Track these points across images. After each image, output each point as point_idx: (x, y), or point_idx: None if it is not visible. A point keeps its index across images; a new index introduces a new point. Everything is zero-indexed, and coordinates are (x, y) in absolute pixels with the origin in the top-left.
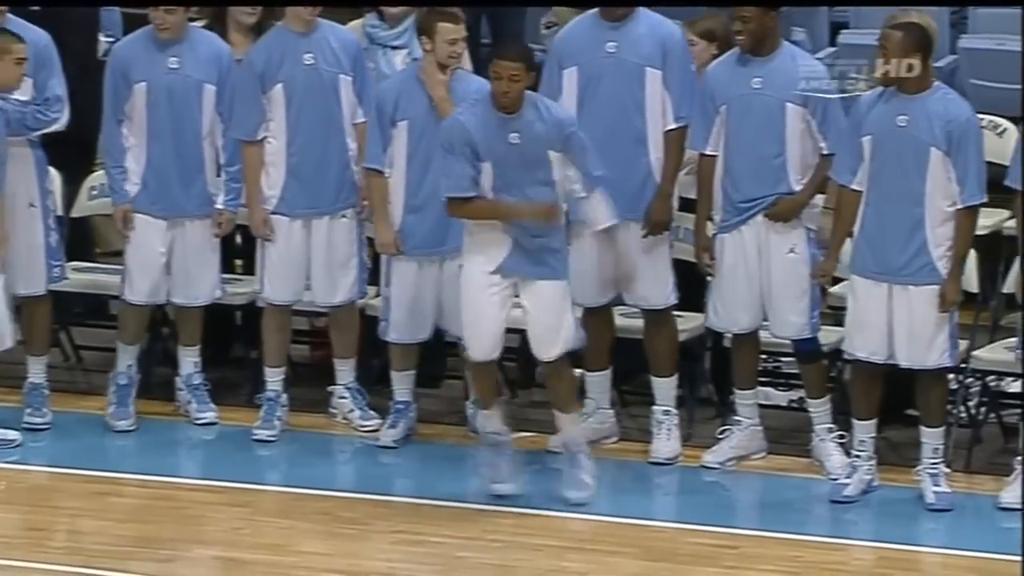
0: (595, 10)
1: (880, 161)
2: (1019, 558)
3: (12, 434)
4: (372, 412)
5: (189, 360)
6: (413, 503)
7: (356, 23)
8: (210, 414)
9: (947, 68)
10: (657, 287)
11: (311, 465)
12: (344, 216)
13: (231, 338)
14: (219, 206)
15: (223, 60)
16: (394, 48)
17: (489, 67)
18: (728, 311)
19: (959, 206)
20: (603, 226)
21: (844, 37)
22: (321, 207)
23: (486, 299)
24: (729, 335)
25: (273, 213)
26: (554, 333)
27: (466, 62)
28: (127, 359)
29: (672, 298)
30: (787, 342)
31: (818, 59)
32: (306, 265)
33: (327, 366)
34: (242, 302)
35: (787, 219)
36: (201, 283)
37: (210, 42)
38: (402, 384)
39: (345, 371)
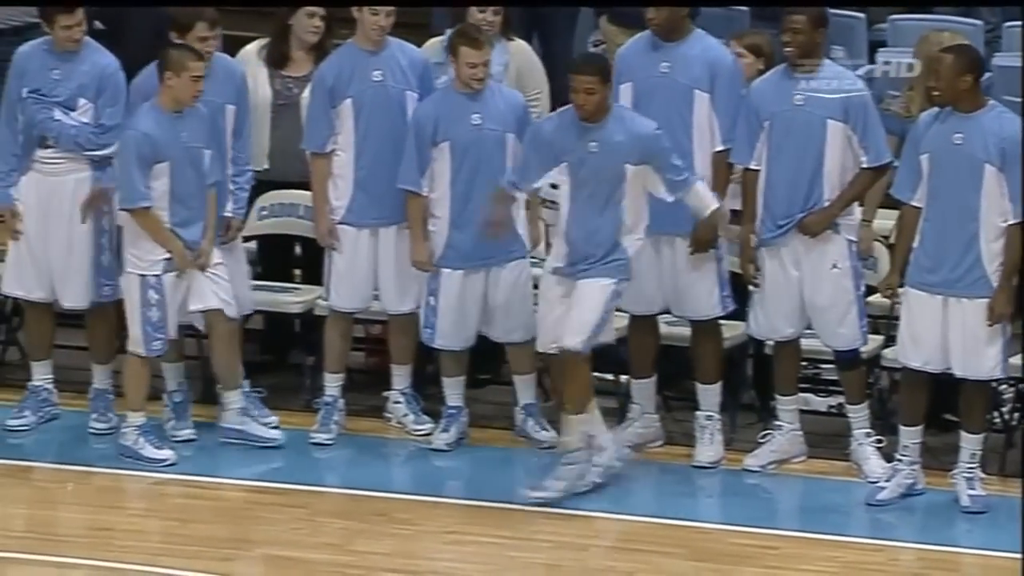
0: (649, 31)
1: (937, 178)
2: None
3: (166, 453)
4: (425, 416)
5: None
6: (465, 504)
7: (435, 40)
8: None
9: (983, 84)
10: (704, 299)
11: (367, 467)
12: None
13: (290, 345)
14: (227, 213)
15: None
16: None
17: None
18: (769, 320)
19: (1011, 221)
20: (712, 208)
21: (882, 55)
22: (388, 217)
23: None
24: (771, 343)
25: (340, 223)
26: (578, 323)
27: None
28: (176, 376)
29: (718, 309)
30: (827, 349)
31: (861, 76)
32: (372, 274)
33: (381, 372)
34: (300, 310)
35: (815, 232)
36: (239, 292)
37: (227, 65)
38: (453, 390)
39: (401, 377)
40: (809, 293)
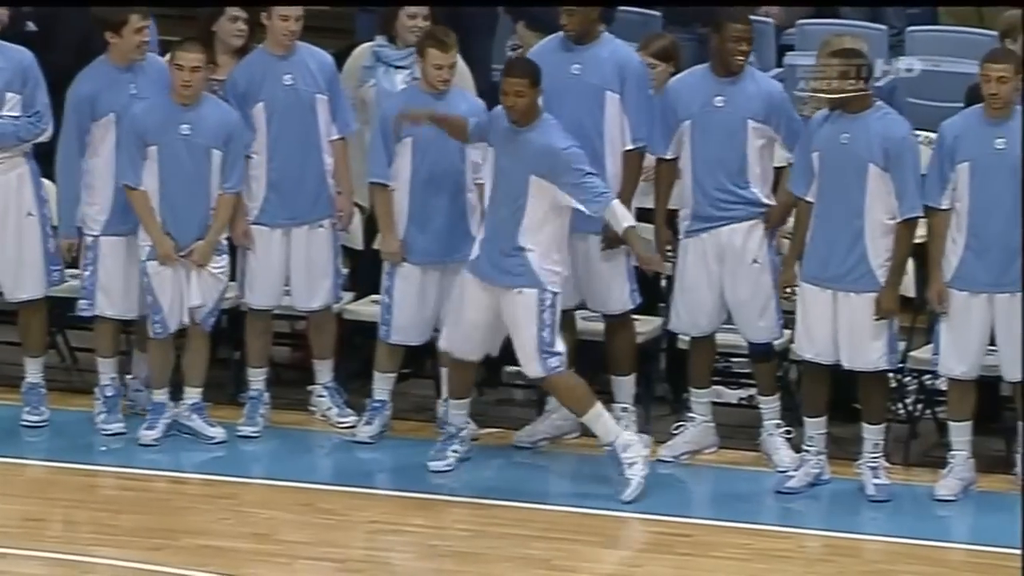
0: (561, 33)
1: (826, 176)
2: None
3: (218, 431)
4: (349, 409)
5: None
6: (388, 494)
7: (365, 46)
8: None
9: (886, 87)
10: (616, 294)
11: (292, 459)
12: (321, 226)
13: (217, 340)
14: None
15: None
16: (397, 68)
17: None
18: (690, 315)
19: (898, 219)
20: (625, 227)
21: (790, 59)
22: (300, 218)
23: None
24: (686, 337)
25: (254, 223)
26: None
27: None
28: (110, 370)
29: (629, 303)
30: (738, 343)
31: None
32: (285, 272)
33: (306, 367)
34: (225, 307)
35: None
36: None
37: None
38: (383, 384)
39: (323, 371)
40: (730, 288)
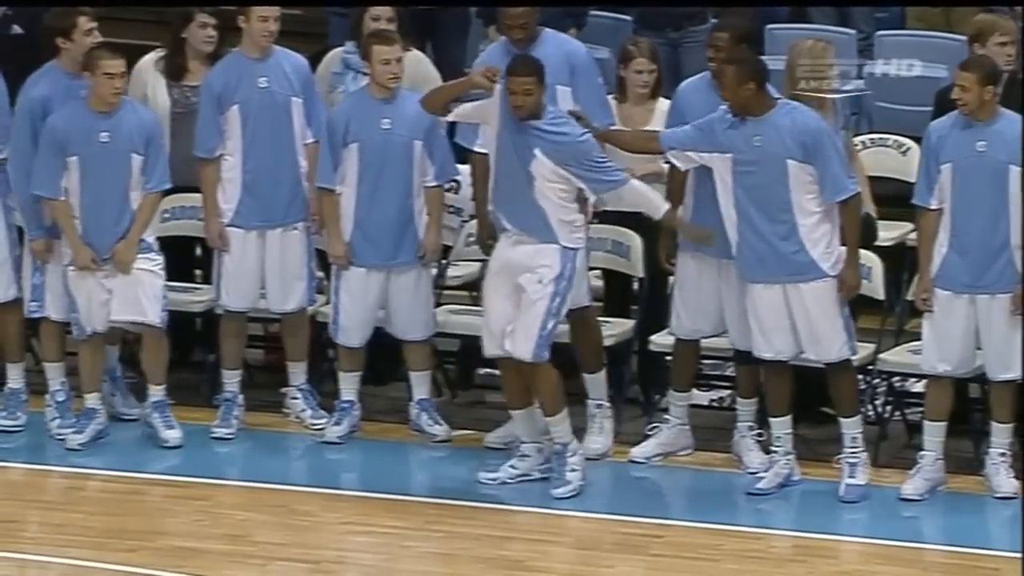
0: (503, 38)
1: (744, 178)
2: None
3: (173, 434)
4: (323, 411)
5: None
6: (362, 496)
7: (337, 51)
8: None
9: (856, 92)
10: (578, 290)
11: (266, 461)
12: (296, 229)
13: (191, 343)
14: None
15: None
16: (365, 74)
17: (506, 84)
18: (691, 318)
19: (832, 201)
20: (663, 210)
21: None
22: (274, 220)
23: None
24: (659, 340)
25: (229, 226)
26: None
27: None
28: (59, 375)
29: (586, 300)
30: (714, 345)
31: None
32: (260, 274)
33: (280, 369)
34: (201, 309)
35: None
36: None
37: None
38: (348, 384)
39: (297, 373)
40: (725, 293)
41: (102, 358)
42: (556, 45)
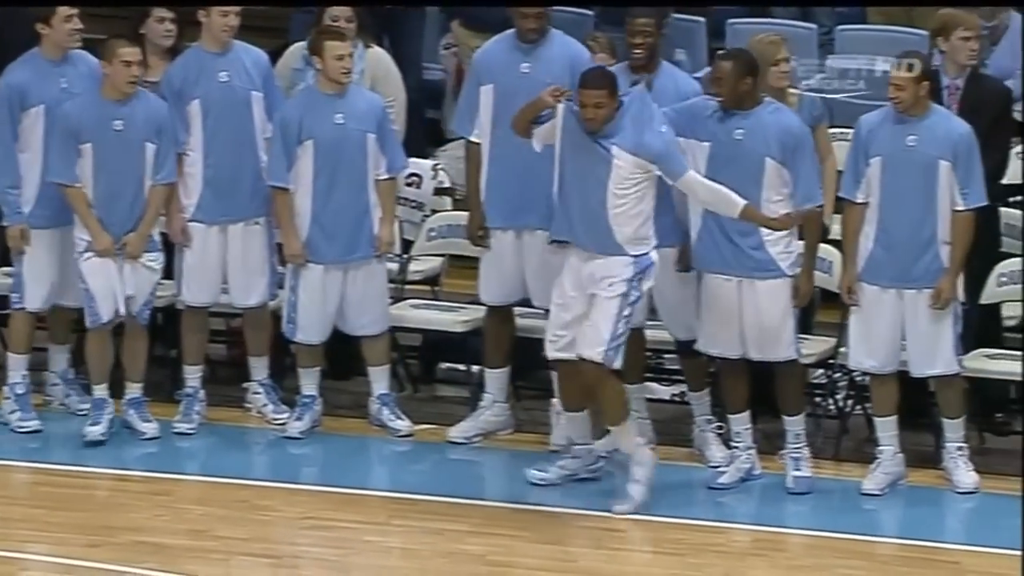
0: (512, 31)
1: (717, 170)
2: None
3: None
4: (284, 406)
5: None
6: (323, 491)
7: (297, 46)
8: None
9: (816, 86)
10: None
11: (228, 456)
12: (257, 223)
13: (153, 338)
14: None
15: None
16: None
17: (577, 96)
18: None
19: (800, 207)
20: (742, 206)
21: None
22: (236, 215)
23: None
24: None
25: (190, 221)
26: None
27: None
28: (20, 367)
29: None
30: (668, 339)
31: (697, 78)
32: (222, 269)
33: (242, 364)
34: (162, 304)
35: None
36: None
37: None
38: (308, 380)
39: (259, 368)
40: (657, 288)
41: (111, 349)
42: (562, 47)
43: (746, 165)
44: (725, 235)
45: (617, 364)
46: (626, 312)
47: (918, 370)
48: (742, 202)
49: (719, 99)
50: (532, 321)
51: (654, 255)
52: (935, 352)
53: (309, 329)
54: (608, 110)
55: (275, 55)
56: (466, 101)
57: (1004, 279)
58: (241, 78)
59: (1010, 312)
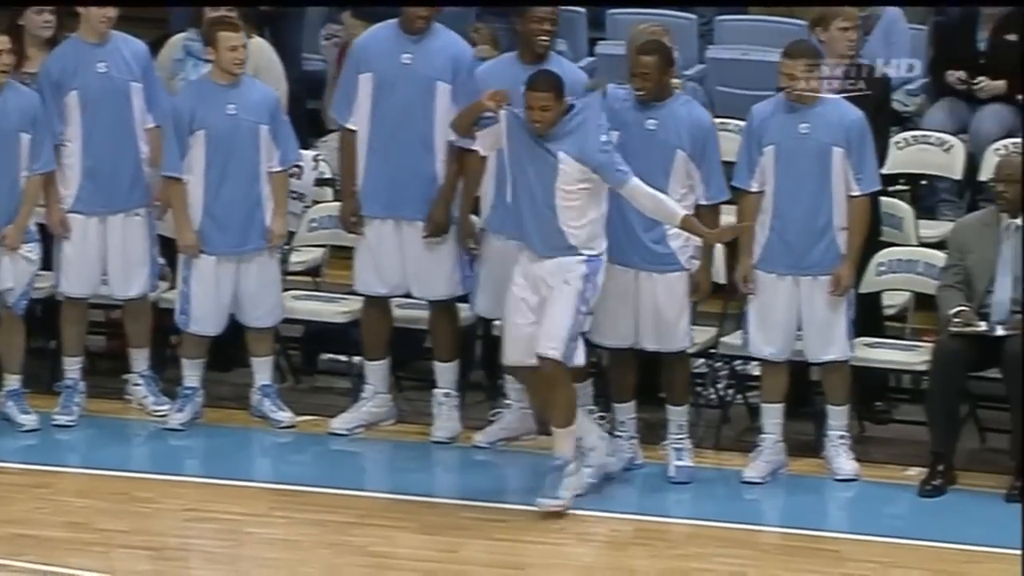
0: (395, 21)
1: (626, 160)
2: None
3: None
4: (165, 398)
5: None
6: (205, 482)
7: (177, 37)
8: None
9: (696, 76)
10: (443, 280)
11: (108, 448)
12: (137, 214)
13: (31, 329)
14: None
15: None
16: (206, 61)
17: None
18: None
19: (704, 203)
20: (680, 216)
21: (601, 48)
22: (115, 206)
23: None
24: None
25: (69, 212)
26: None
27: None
28: None
29: (457, 290)
30: None
31: (580, 67)
32: (101, 260)
33: (122, 355)
34: (41, 296)
35: None
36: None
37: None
38: (192, 371)
39: (139, 359)
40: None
41: (21, 336)
42: (445, 42)
43: (657, 156)
44: (627, 228)
45: (577, 362)
46: (582, 308)
47: (814, 356)
48: (682, 212)
49: (640, 92)
50: (411, 312)
51: (604, 256)
52: (830, 338)
53: (203, 320)
54: (554, 113)
55: (155, 46)
56: (344, 88)
57: (883, 268)
58: (120, 69)
59: (890, 301)
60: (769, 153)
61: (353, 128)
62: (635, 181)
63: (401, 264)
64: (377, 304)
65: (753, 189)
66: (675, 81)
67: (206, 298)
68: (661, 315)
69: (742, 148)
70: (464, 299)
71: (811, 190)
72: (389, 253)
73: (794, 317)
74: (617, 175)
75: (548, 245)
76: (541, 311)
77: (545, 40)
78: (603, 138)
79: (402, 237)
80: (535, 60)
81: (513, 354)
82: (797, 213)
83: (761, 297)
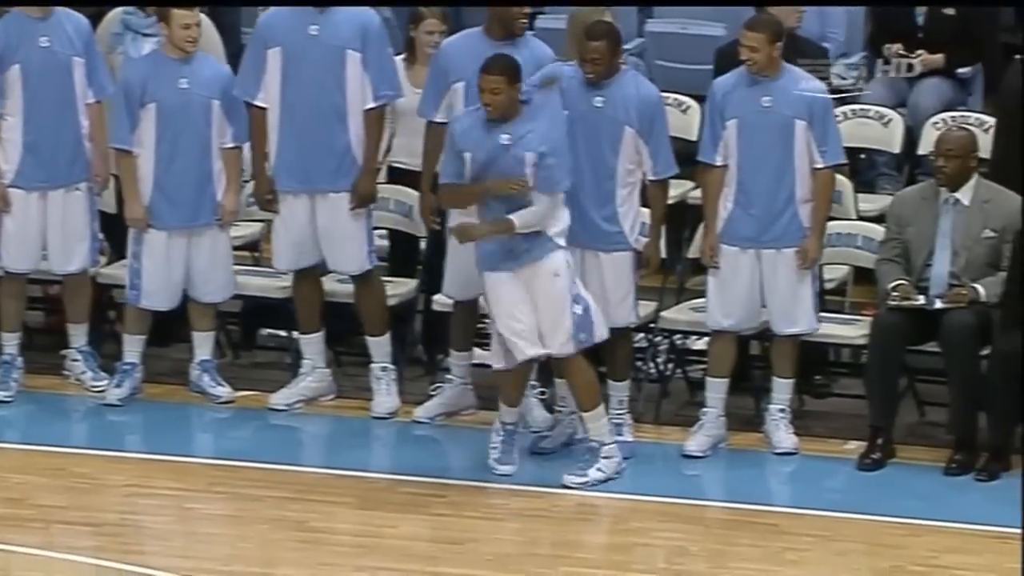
0: None
1: (575, 138)
2: (704, 503)
3: None
4: (104, 373)
5: None
6: (143, 458)
7: (116, 11)
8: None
9: (635, 50)
10: (352, 254)
11: (46, 423)
12: (78, 189)
13: None
14: None
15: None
16: (145, 35)
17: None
18: (464, 280)
19: (652, 178)
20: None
21: (541, 22)
22: (56, 181)
23: None
24: (443, 299)
25: (10, 187)
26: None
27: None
28: None
29: (367, 264)
30: None
31: None
32: (41, 235)
33: (61, 331)
34: None
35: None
36: None
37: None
38: (133, 347)
39: (78, 335)
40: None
41: None
42: (351, 11)
43: (606, 133)
44: (578, 207)
45: (599, 336)
46: (573, 293)
47: (780, 329)
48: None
49: (591, 76)
50: (347, 287)
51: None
52: (796, 311)
53: (154, 295)
54: (505, 96)
55: (93, 20)
56: (250, 65)
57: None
58: (63, 43)
59: (829, 275)
60: (732, 127)
61: (262, 105)
62: (556, 199)
63: (316, 237)
64: (306, 278)
65: (717, 163)
66: None
67: (157, 273)
68: (607, 294)
69: (706, 122)
70: (405, 273)
71: (774, 163)
72: (304, 227)
73: (756, 291)
74: (548, 179)
75: (526, 240)
76: (536, 311)
77: (524, 21)
78: (552, 136)
79: (316, 210)
80: (508, 37)
81: (527, 348)
82: (761, 187)
83: (723, 270)
